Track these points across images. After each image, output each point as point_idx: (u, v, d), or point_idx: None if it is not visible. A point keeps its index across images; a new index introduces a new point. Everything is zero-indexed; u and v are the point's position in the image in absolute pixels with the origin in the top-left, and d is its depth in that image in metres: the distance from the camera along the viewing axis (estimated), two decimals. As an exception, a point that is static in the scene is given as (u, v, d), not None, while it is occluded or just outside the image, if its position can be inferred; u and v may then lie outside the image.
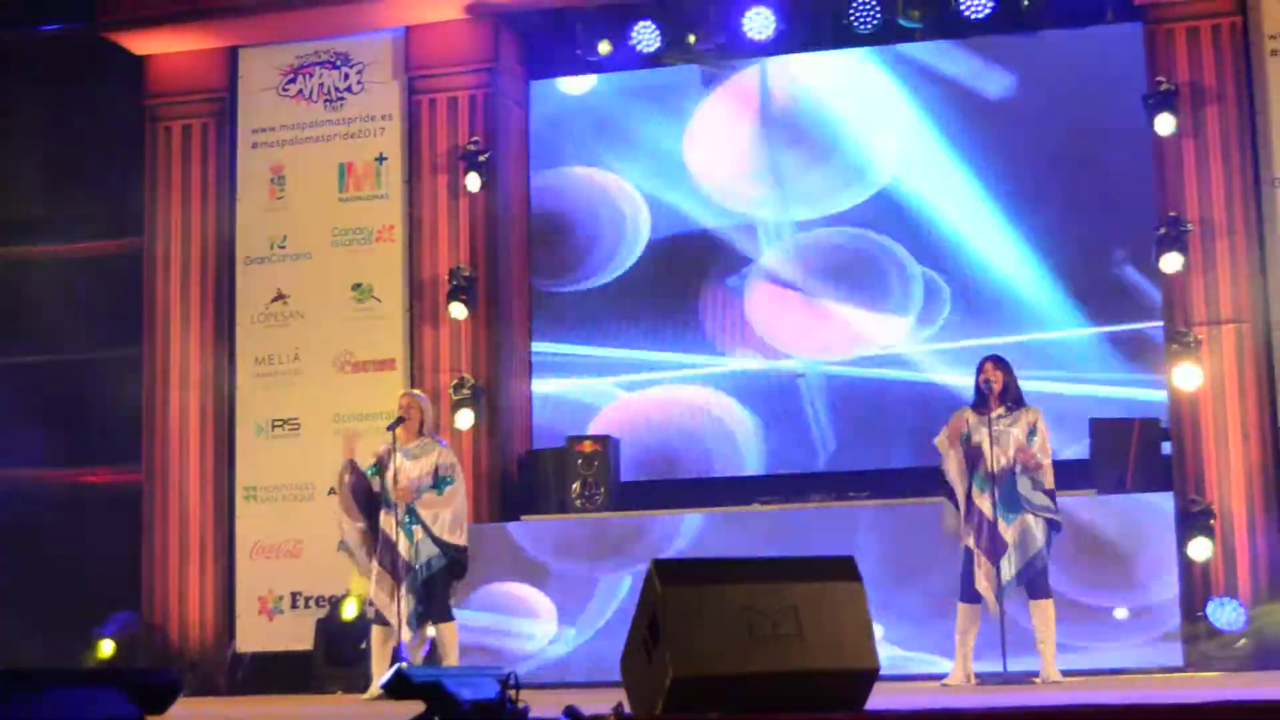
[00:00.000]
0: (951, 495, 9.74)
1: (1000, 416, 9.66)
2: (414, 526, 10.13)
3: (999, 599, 9.47)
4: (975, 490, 9.64)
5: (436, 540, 10.15)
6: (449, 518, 10.22)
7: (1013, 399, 9.77)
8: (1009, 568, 9.47)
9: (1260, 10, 11.67)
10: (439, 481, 10.23)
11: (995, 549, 9.47)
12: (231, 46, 13.41)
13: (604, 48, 12.93)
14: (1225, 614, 10.82)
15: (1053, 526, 9.60)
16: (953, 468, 9.71)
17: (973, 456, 9.66)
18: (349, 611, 11.88)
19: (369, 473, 10.34)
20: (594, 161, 13.27)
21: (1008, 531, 9.49)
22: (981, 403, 9.77)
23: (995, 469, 9.54)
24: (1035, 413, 9.77)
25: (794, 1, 12.73)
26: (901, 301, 12.59)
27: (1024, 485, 9.54)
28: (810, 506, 11.63)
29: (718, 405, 12.82)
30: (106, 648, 12.58)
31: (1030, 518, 9.52)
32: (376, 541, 10.23)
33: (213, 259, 13.23)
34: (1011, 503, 9.52)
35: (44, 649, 12.53)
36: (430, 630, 10.39)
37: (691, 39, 12.85)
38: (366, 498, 10.30)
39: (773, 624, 5.93)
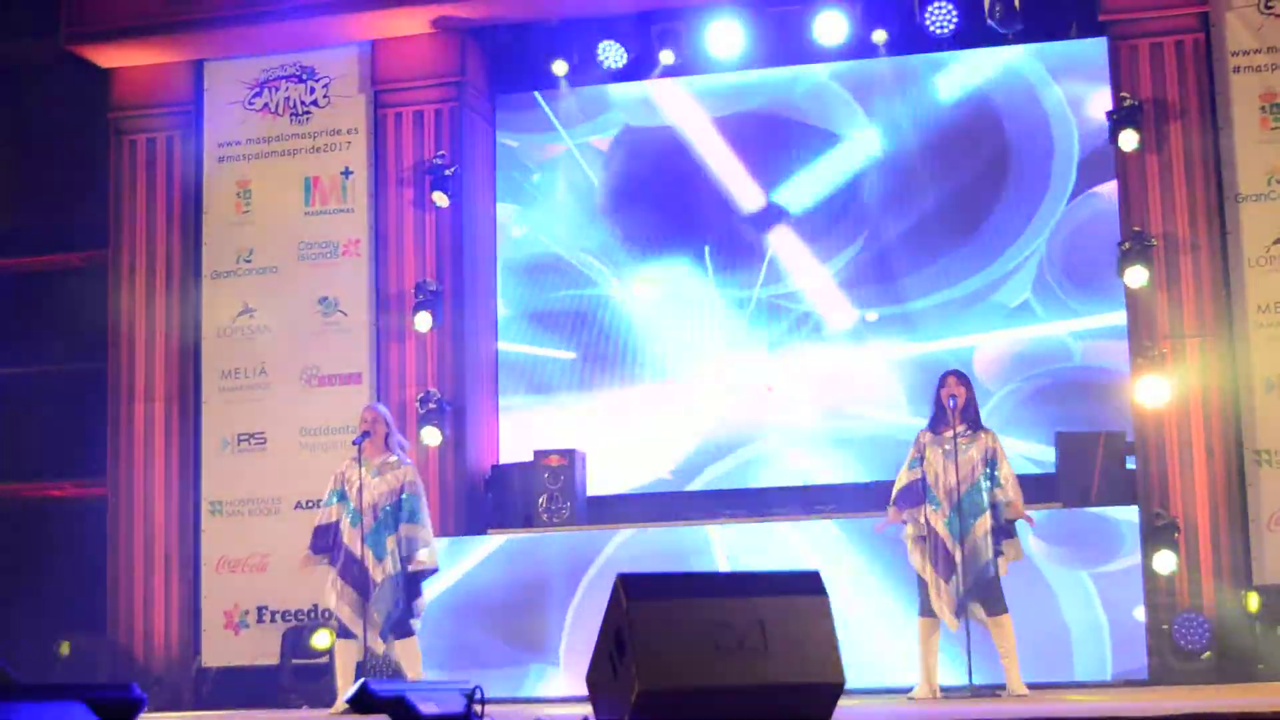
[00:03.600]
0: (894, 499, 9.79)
1: (959, 436, 9.66)
2: (388, 536, 10.05)
3: (957, 616, 9.50)
4: (930, 509, 9.65)
5: (420, 567, 10.09)
6: (429, 540, 10.18)
7: (971, 418, 9.77)
8: (960, 584, 9.48)
9: (1223, 27, 11.75)
10: (403, 502, 10.12)
11: (948, 568, 9.50)
12: (197, 60, 13.38)
13: (559, 68, 12.97)
14: (1190, 631, 10.85)
15: (1006, 533, 9.65)
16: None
17: (928, 475, 9.67)
18: (321, 641, 11.85)
19: (332, 501, 10.21)
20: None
21: (956, 550, 9.50)
22: (940, 419, 9.77)
23: (950, 489, 9.55)
24: (993, 436, 9.77)
25: (760, 18, 12.76)
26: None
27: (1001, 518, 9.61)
28: (777, 520, 11.63)
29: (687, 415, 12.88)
30: (65, 649, 12.57)
31: (978, 535, 9.51)
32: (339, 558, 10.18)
33: (178, 272, 13.19)
34: (963, 523, 9.52)
35: (7, 664, 12.44)
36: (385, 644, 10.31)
37: (668, 57, 12.87)
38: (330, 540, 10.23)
39: (739, 638, 5.94)
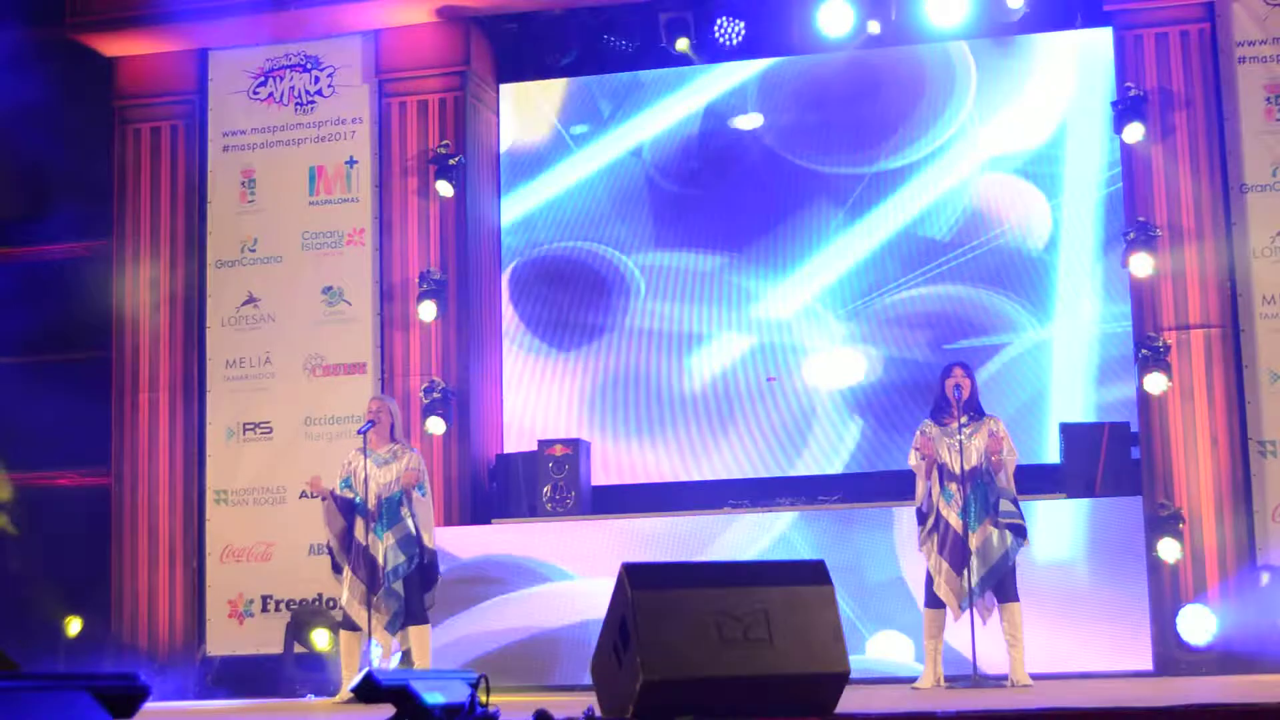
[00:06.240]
0: (923, 519, 9.73)
1: (963, 425, 9.67)
2: (385, 532, 10.10)
3: (963, 607, 9.50)
4: (941, 501, 9.64)
5: (418, 541, 10.15)
6: (425, 521, 10.24)
7: (974, 408, 9.79)
8: (973, 575, 9.48)
9: (1229, 18, 11.73)
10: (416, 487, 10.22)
11: (961, 557, 9.49)
12: (201, 49, 13.38)
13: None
14: (1195, 625, 10.85)
15: (1018, 533, 9.60)
16: (925, 491, 9.71)
17: (937, 466, 9.67)
18: (320, 641, 11.88)
19: (341, 486, 10.28)
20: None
21: (971, 539, 9.51)
22: (944, 410, 9.78)
23: (959, 478, 9.56)
24: (996, 422, 9.80)
25: (763, 8, 12.74)
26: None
27: (993, 493, 9.56)
28: (781, 511, 11.62)
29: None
30: (74, 626, 12.62)
31: (990, 526, 9.53)
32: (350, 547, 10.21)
33: (182, 262, 13.18)
34: (976, 512, 9.53)
35: (10, 654, 12.43)
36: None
37: (686, 44, 12.84)
38: (347, 508, 10.29)
39: (743, 628, 5.95)
